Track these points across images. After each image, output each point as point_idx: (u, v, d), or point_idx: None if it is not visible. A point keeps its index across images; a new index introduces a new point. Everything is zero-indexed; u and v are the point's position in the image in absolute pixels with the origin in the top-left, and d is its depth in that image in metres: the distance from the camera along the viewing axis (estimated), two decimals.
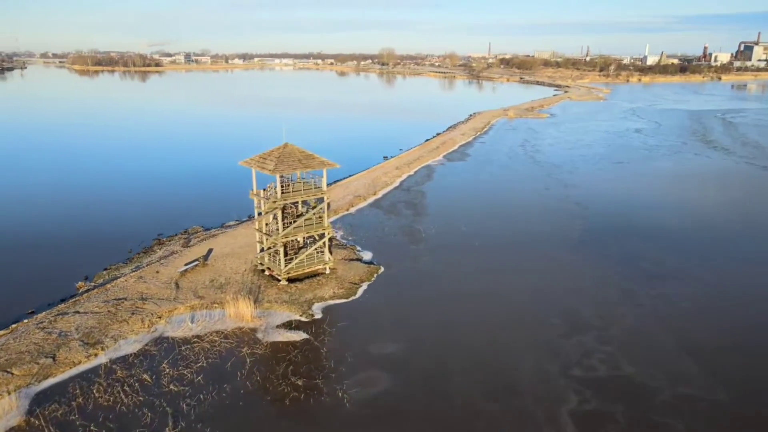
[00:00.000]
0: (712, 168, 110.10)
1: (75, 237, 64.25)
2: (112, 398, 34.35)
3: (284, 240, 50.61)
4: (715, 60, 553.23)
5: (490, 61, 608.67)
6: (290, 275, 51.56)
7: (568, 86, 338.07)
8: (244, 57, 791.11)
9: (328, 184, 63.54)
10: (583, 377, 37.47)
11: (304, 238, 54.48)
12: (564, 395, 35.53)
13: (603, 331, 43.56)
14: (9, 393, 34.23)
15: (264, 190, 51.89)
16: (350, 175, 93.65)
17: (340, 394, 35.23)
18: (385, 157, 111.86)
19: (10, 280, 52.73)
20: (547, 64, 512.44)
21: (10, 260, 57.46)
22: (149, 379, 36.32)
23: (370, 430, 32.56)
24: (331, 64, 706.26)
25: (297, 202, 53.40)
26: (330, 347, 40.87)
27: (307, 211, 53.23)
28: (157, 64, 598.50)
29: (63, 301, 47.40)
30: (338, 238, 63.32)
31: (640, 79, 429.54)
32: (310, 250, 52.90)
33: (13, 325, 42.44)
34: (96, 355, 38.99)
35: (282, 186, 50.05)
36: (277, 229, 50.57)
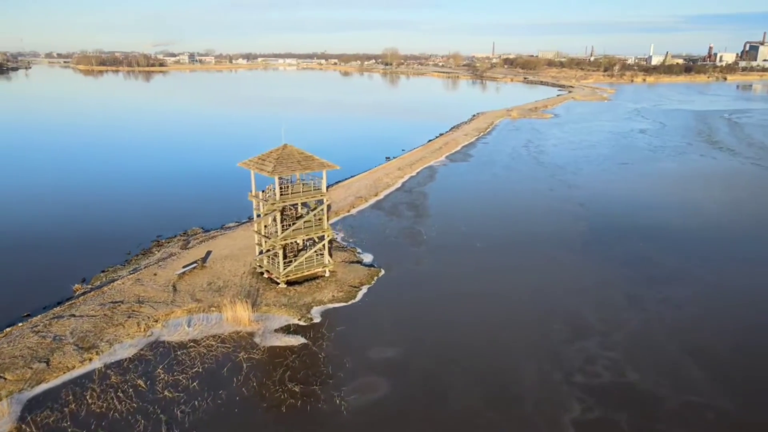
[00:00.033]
0: (718, 169, 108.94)
1: (73, 238, 63.73)
2: (105, 404, 33.72)
3: (283, 242, 49.93)
4: (720, 60, 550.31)
5: (494, 61, 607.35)
6: (289, 278, 50.88)
7: (572, 86, 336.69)
8: (248, 57, 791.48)
9: (329, 186, 63.00)
10: (586, 384, 36.65)
11: (303, 240, 53.80)
12: (566, 403, 34.72)
13: (606, 336, 42.72)
14: (1, 399, 33.64)
15: (263, 191, 51.22)
16: (352, 176, 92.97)
17: (337, 401, 34.52)
18: (387, 158, 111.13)
19: (7, 281, 52.18)
20: (551, 64, 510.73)
21: (8, 261, 56.93)
22: (144, 385, 35.68)
23: None
24: (335, 64, 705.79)
25: (296, 204, 52.76)
26: (328, 352, 40.16)
27: (307, 213, 52.56)
28: (161, 64, 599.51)
29: (59, 303, 46.79)
30: (338, 240, 62.62)
31: (644, 79, 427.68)
32: (310, 253, 52.22)
33: (8, 329, 41.83)
34: (90, 359, 38.38)
35: (281, 188, 49.38)
36: (276, 232, 49.90)
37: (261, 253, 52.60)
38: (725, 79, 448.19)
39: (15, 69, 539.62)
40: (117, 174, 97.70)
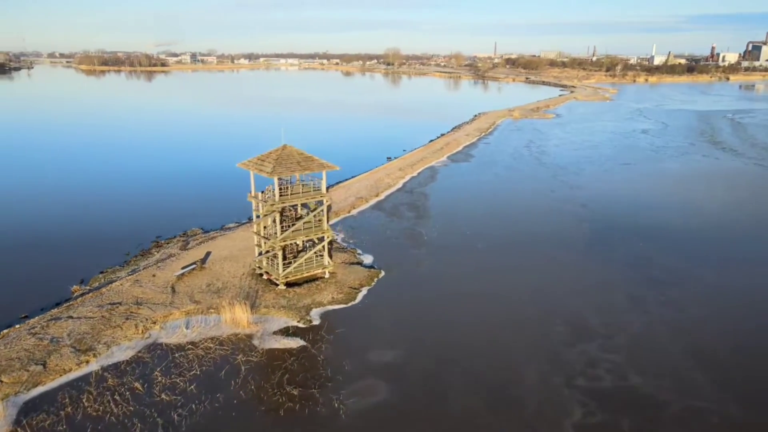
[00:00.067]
0: (721, 169, 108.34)
1: (72, 238, 63.44)
2: (101, 408, 33.38)
3: (282, 244, 49.56)
4: (723, 60, 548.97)
5: (496, 61, 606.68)
6: (289, 279, 50.53)
7: (574, 86, 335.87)
8: (250, 57, 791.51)
9: (330, 186, 62.58)
10: (588, 388, 36.21)
11: (303, 241, 53.43)
12: (568, 407, 34.28)
13: (608, 339, 42.28)
14: None
15: (262, 192, 50.86)
16: (353, 177, 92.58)
17: (336, 405, 34.14)
18: (389, 158, 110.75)
19: (5, 282, 51.90)
20: (553, 64, 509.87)
21: (6, 262, 56.69)
22: (141, 388, 35.33)
23: None
24: (337, 64, 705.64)
25: (296, 205, 52.40)
26: (327, 355, 39.78)
27: (307, 214, 52.18)
28: (163, 64, 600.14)
29: (57, 305, 46.48)
30: (339, 241, 62.24)
31: (647, 80, 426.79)
32: (309, 254, 51.86)
33: (5, 331, 41.55)
34: (87, 362, 38.05)
35: (281, 188, 49.03)
36: (276, 233, 49.53)
37: (260, 254, 52.25)
38: (728, 79, 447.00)
39: (17, 69, 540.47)
40: (117, 174, 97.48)
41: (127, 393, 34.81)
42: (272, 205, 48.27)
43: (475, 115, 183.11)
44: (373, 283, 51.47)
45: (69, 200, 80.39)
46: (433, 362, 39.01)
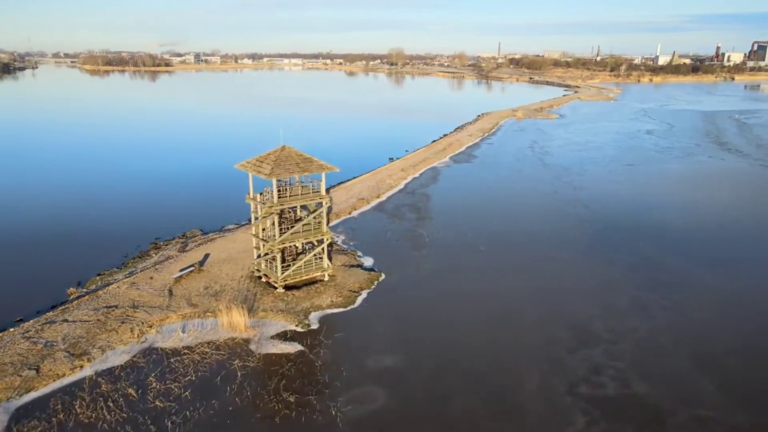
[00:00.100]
0: (726, 170, 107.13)
1: (70, 240, 62.88)
2: (94, 414, 32.75)
3: (281, 246, 48.88)
4: (728, 60, 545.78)
5: (500, 61, 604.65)
6: (287, 282, 49.85)
7: (578, 86, 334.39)
8: (254, 57, 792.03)
9: (330, 187, 62.05)
10: (592, 396, 35.39)
11: (302, 243, 52.72)
12: (571, 416, 33.47)
13: (612, 344, 41.45)
14: None
15: (261, 194, 50.21)
16: (354, 178, 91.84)
17: (333, 412, 33.42)
18: (391, 159, 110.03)
19: (1, 285, 51.39)
20: (556, 64, 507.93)
21: (2, 264, 56.20)
22: (135, 394, 34.68)
23: None
24: (340, 64, 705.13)
25: (295, 207, 51.72)
26: (325, 360, 39.07)
27: (307, 216, 51.48)
28: (167, 64, 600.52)
29: (53, 308, 45.96)
30: (339, 243, 61.53)
31: (651, 80, 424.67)
32: (309, 257, 51.17)
33: None
34: (81, 366, 37.45)
35: (279, 190, 48.35)
36: (274, 235, 48.85)
37: (259, 256, 51.58)
38: (733, 79, 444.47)
39: (22, 69, 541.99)
40: (117, 174, 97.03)
41: (121, 399, 34.18)
42: (270, 207, 47.60)
43: (479, 116, 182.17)
44: (373, 287, 50.74)
45: (68, 200, 79.94)
46: (433, 369, 38.24)
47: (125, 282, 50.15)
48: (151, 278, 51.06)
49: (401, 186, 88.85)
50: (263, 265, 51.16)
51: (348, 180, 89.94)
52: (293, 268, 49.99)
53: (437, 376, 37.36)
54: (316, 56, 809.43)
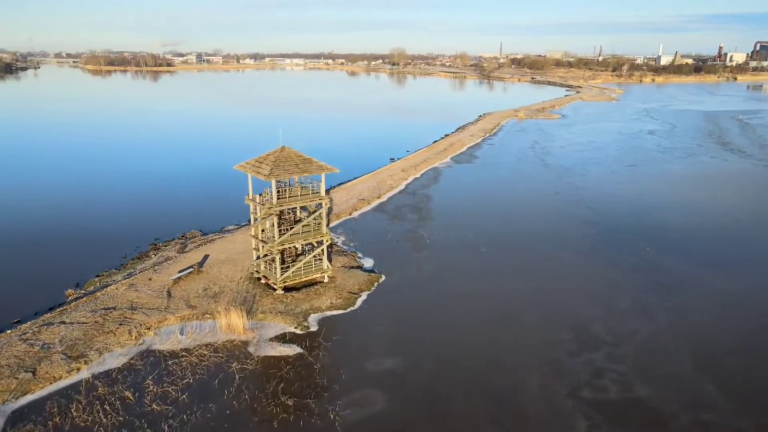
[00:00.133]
0: (729, 171, 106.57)
1: (69, 241, 62.60)
2: (90, 418, 32.45)
3: (280, 247, 48.55)
4: (731, 60, 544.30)
5: (501, 61, 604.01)
6: (287, 284, 49.51)
7: (580, 86, 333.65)
8: (255, 57, 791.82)
9: (331, 188, 61.69)
10: (593, 399, 35.00)
11: (302, 244, 52.38)
12: (572, 420, 33.09)
13: (615, 348, 41.03)
14: None
15: (260, 195, 49.87)
16: (355, 178, 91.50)
17: (331, 416, 33.07)
18: (392, 159, 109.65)
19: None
20: (558, 64, 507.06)
21: (1, 264, 55.93)
22: (131, 397, 34.38)
23: None
24: (342, 64, 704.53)
25: (295, 208, 51.38)
26: (324, 363, 38.73)
27: (306, 217, 51.14)
28: (169, 64, 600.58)
29: (51, 309, 45.70)
30: (339, 244, 61.16)
31: (653, 80, 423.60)
32: (308, 258, 50.83)
33: None
34: (78, 369, 37.15)
35: (279, 191, 48.01)
36: (274, 236, 48.52)
37: (258, 258, 51.26)
38: (735, 79, 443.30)
39: (24, 69, 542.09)
40: (116, 174, 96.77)
41: (117, 402, 33.88)
42: (270, 208, 47.27)
43: (480, 116, 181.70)
44: (373, 288, 50.39)
45: (67, 201, 79.69)
46: (433, 372, 37.89)
47: (124, 283, 49.87)
48: (150, 279, 50.77)
49: (402, 186, 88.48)
50: (263, 267, 50.85)
51: (349, 180, 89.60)
52: (293, 269, 49.67)
53: (437, 379, 37.00)
54: (317, 56, 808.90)
